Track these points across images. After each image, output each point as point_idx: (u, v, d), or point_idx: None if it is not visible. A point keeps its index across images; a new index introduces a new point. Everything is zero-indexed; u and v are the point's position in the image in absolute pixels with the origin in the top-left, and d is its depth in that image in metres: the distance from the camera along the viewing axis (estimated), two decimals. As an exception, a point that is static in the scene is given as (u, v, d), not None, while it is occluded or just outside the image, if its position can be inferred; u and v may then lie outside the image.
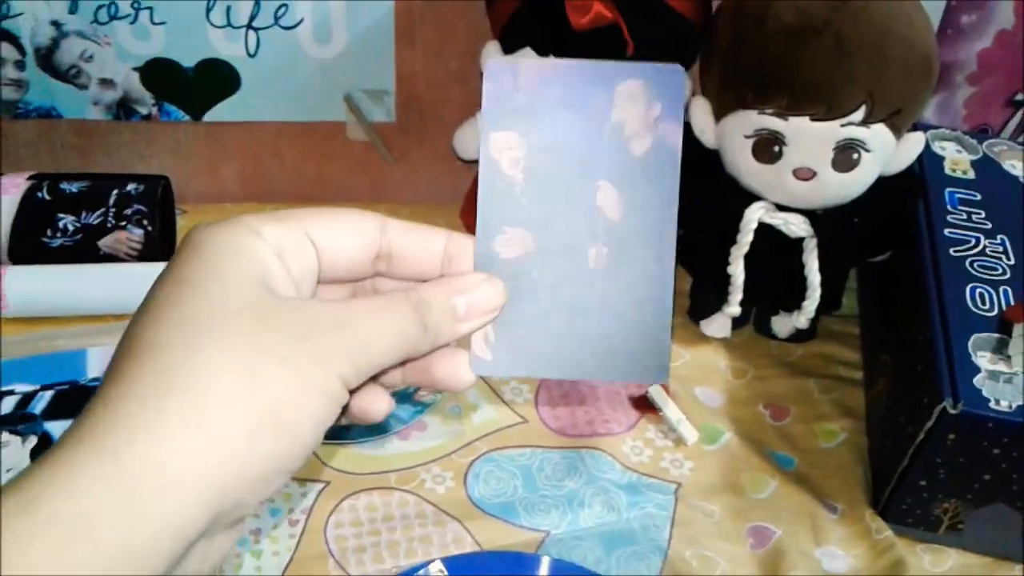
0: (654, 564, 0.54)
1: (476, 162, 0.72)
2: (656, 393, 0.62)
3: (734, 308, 0.64)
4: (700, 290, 0.68)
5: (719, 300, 0.65)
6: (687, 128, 0.64)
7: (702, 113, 0.62)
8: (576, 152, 0.32)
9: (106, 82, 0.71)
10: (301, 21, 0.70)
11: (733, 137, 0.60)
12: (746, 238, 0.61)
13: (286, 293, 0.29)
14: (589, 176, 0.32)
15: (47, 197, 0.64)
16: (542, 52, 0.60)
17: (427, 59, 0.73)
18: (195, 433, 0.25)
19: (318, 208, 0.31)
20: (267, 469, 0.27)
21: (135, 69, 0.70)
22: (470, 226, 0.74)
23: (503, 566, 0.52)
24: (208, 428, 0.25)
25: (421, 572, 0.51)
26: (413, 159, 0.78)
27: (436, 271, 0.33)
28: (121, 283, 0.64)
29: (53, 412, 0.56)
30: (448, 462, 0.59)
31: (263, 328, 0.27)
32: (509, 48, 0.63)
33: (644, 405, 0.62)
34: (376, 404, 0.32)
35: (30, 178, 0.65)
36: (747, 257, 0.62)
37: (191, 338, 0.26)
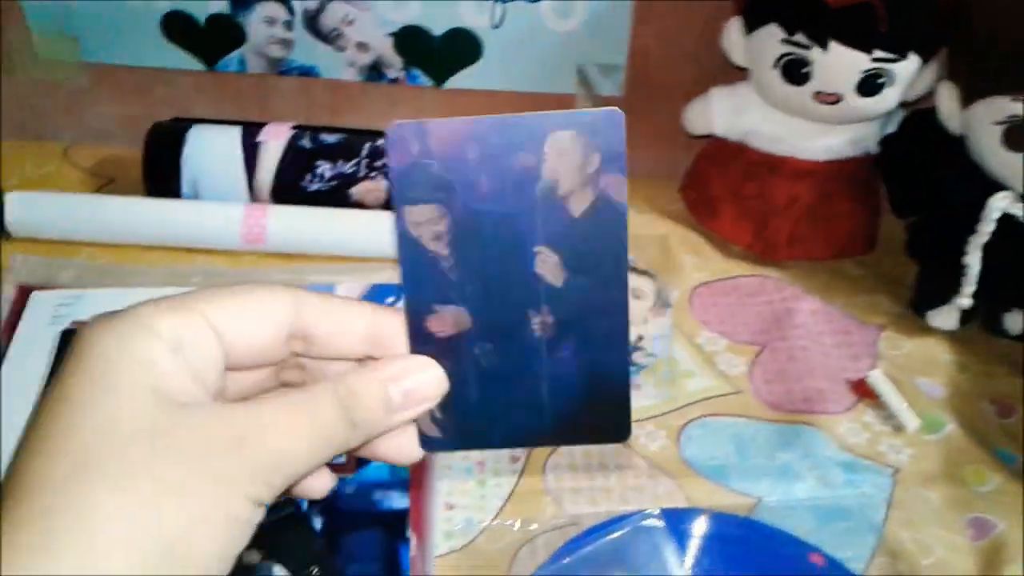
0: (868, 542, 0.54)
1: (705, 137, 0.73)
2: (877, 378, 0.61)
3: (965, 300, 0.63)
4: (928, 279, 0.67)
5: (948, 291, 0.64)
6: (928, 113, 0.63)
7: (949, 99, 0.61)
8: (507, 218, 0.29)
9: (362, 46, 0.76)
10: (546, -5, 0.73)
11: (982, 123, 0.59)
12: (987, 228, 0.60)
13: (185, 394, 0.26)
14: (525, 243, 0.29)
15: (308, 146, 0.70)
16: (790, 30, 0.60)
17: (662, 36, 0.75)
18: None
19: (221, 289, 0.29)
20: None
21: (389, 35, 0.76)
22: (691, 201, 0.76)
23: (718, 525, 0.54)
24: None
25: (637, 518, 0.53)
26: (636, 135, 0.79)
27: (360, 351, 0.30)
28: (367, 228, 0.69)
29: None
30: (661, 421, 0.60)
31: (158, 453, 0.25)
32: (752, 25, 0.64)
33: (863, 390, 0.62)
34: (315, 484, 0.30)
35: (294, 127, 0.71)
36: (984, 248, 0.61)
37: (77, 474, 0.24)
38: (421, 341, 0.30)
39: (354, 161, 0.70)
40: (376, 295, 0.65)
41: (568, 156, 0.28)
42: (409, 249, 0.29)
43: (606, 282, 0.29)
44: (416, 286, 0.29)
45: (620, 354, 0.30)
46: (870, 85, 0.61)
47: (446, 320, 0.29)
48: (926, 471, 0.58)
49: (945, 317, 0.65)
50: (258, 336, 0.29)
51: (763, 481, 0.57)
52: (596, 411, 0.31)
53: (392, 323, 0.30)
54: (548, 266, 0.29)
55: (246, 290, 0.29)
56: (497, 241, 0.29)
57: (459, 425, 0.31)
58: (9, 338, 0.62)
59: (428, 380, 0.30)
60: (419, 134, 0.28)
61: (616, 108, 0.28)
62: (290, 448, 0.26)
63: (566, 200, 0.28)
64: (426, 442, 0.31)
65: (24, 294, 0.65)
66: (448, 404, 0.30)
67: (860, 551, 0.54)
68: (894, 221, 0.73)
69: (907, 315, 0.68)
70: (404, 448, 0.31)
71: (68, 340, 0.61)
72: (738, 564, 0.52)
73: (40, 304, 0.64)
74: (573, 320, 0.30)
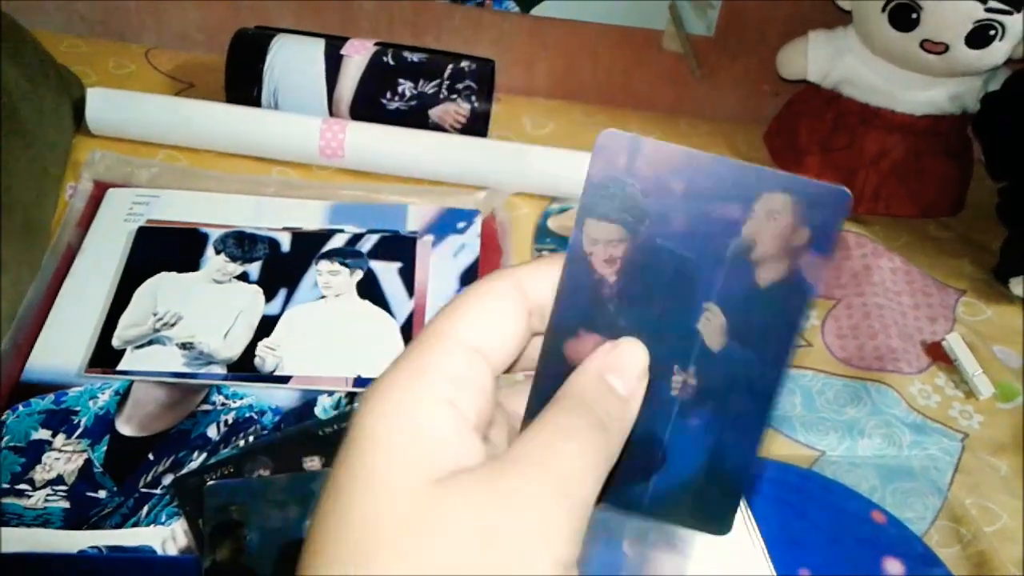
0: (931, 504, 0.53)
1: (796, 83, 0.71)
2: (954, 342, 0.60)
3: (1054, 269, 0.61)
4: (1015, 245, 0.64)
5: (1037, 259, 0.62)
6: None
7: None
8: (688, 264, 0.26)
9: (450, -35, 0.75)
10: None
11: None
12: (1087, 196, 0.58)
13: (458, 458, 0.23)
14: (696, 295, 0.27)
15: (391, 63, 0.69)
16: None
17: (760, -25, 0.72)
18: None
19: (458, 308, 0.26)
20: None
21: (479, -45, 0.74)
22: (775, 149, 0.74)
23: (780, 474, 0.53)
24: None
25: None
26: (722, 76, 0.78)
27: None
28: (443, 151, 0.68)
29: (376, 253, 0.62)
30: (728, 368, 0.60)
31: (433, 543, 0.22)
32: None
33: (938, 353, 0.60)
34: None
35: (377, 44, 0.70)
36: (1081, 217, 0.59)
37: (346, 567, 0.22)
38: (552, 361, 0.27)
39: (436, 82, 0.69)
40: (448, 219, 0.65)
41: (777, 222, 0.25)
42: (576, 264, 0.27)
43: (764, 362, 0.26)
44: (570, 303, 0.27)
45: (750, 441, 0.27)
46: (980, 36, 0.59)
47: (586, 347, 0.27)
48: (996, 439, 0.57)
49: (1030, 286, 0.63)
50: (512, 337, 0.27)
51: (829, 436, 0.56)
52: (703, 495, 0.27)
53: None
54: (712, 326, 0.26)
55: (480, 297, 0.26)
56: (669, 284, 0.26)
57: None
58: (84, 232, 0.63)
59: (632, 353, 0.27)
60: (631, 149, 0.26)
61: (844, 188, 0.25)
62: (584, 484, 0.24)
63: (756, 265, 0.26)
64: None
65: (101, 190, 0.66)
66: None
67: (923, 512, 0.53)
68: (981, 186, 0.70)
69: (989, 281, 0.66)
70: None
71: (143, 238, 0.62)
72: (798, 515, 0.51)
73: (116, 201, 0.65)
74: (716, 391, 0.27)
